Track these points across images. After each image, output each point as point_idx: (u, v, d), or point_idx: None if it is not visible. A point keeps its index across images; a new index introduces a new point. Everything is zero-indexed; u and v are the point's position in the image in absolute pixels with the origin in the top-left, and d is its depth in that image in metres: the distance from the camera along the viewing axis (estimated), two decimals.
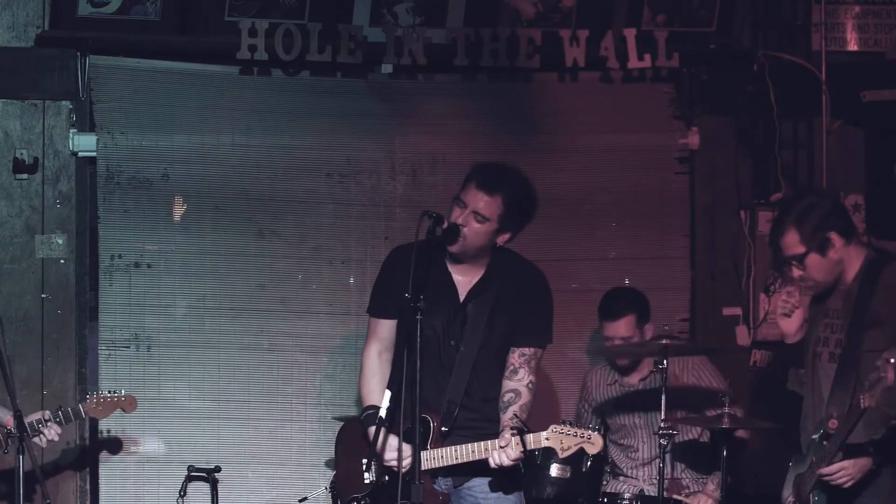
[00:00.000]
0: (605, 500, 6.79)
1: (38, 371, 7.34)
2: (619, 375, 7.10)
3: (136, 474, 7.39)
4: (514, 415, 5.73)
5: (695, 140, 7.85)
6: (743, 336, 7.92)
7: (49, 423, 6.45)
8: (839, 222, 5.87)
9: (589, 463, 6.55)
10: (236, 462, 7.40)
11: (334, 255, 7.61)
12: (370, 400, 5.86)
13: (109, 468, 7.37)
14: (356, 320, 7.43)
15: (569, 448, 5.64)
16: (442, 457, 5.74)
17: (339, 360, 7.56)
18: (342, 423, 6.34)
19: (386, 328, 5.92)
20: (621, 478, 7.11)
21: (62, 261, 7.40)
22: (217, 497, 7.14)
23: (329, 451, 7.25)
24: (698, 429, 7.05)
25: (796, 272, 5.89)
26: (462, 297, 5.89)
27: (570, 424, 5.66)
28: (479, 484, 5.87)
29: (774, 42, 7.97)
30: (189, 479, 7.13)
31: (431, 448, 5.74)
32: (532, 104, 7.76)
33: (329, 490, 6.75)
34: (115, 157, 7.39)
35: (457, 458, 5.73)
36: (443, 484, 5.85)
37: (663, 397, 6.57)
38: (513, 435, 5.63)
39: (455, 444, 5.75)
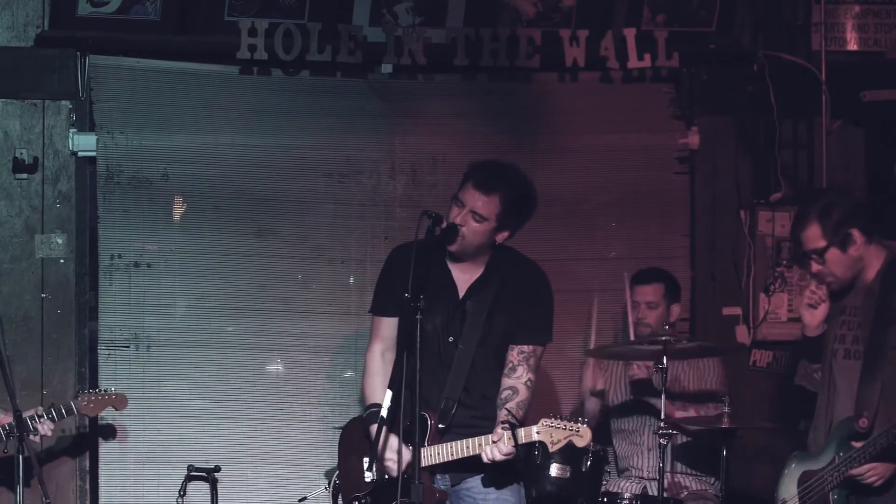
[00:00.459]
0: (605, 499, 6.78)
1: (38, 371, 7.34)
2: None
3: (136, 474, 7.38)
4: (508, 410, 5.74)
5: (695, 140, 7.85)
6: (743, 336, 7.91)
7: (42, 419, 6.53)
8: (861, 220, 5.89)
9: (589, 463, 6.55)
10: (236, 462, 7.40)
11: (334, 255, 7.61)
12: (373, 398, 5.89)
13: (109, 468, 7.37)
14: (356, 320, 7.46)
15: (558, 441, 5.64)
16: (438, 453, 5.76)
17: (339, 360, 7.56)
18: (344, 425, 6.34)
19: (389, 327, 5.93)
20: (625, 473, 7.12)
21: (62, 260, 7.40)
22: (217, 497, 7.13)
23: (328, 451, 7.26)
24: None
25: (815, 266, 5.90)
26: (461, 294, 5.91)
27: (560, 418, 5.66)
28: (478, 484, 5.89)
29: (774, 42, 7.96)
30: (189, 478, 7.13)
31: (428, 445, 5.76)
32: (532, 104, 7.76)
33: (329, 489, 6.76)
34: (115, 156, 7.39)
35: (452, 455, 5.75)
36: (441, 482, 5.87)
37: (662, 397, 6.59)
38: (504, 429, 5.64)
39: (452, 441, 5.76)
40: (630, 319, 7.23)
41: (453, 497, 5.90)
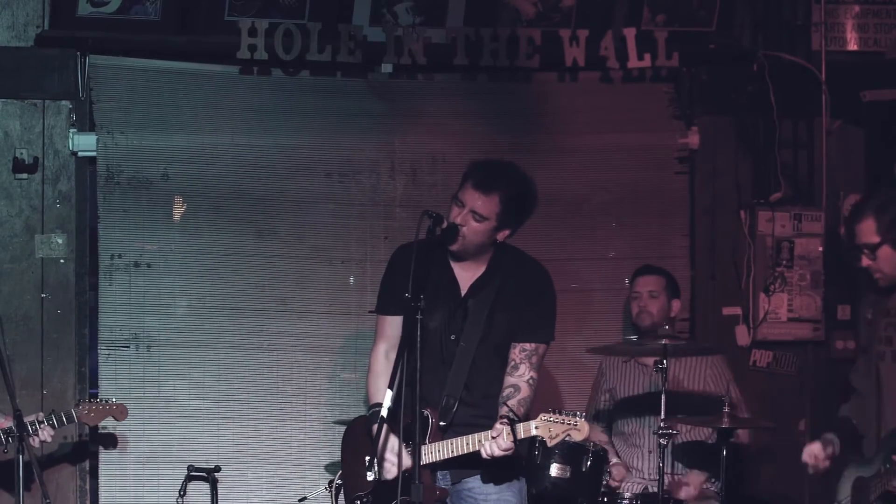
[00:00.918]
0: (606, 499, 6.77)
1: (38, 371, 7.32)
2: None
3: (136, 474, 7.37)
4: (509, 407, 5.73)
5: (695, 140, 7.85)
6: (743, 336, 7.91)
7: (42, 426, 6.54)
8: None
9: (589, 463, 6.55)
10: (236, 462, 7.39)
11: (334, 255, 7.60)
12: (376, 398, 5.87)
13: (109, 468, 7.35)
14: (356, 320, 7.46)
15: (556, 436, 5.62)
16: (438, 451, 5.75)
17: (339, 361, 7.55)
18: (346, 424, 6.32)
19: (393, 326, 5.91)
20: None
21: (62, 260, 7.39)
22: (217, 497, 7.14)
23: (328, 451, 7.27)
24: (706, 430, 7.05)
25: (865, 261, 5.85)
26: (463, 292, 5.90)
27: (559, 412, 5.64)
28: (479, 485, 5.88)
29: (774, 42, 7.96)
30: (189, 478, 7.14)
31: (429, 443, 5.75)
32: (532, 104, 7.75)
33: (329, 489, 6.76)
34: (115, 156, 7.38)
35: (452, 452, 5.74)
36: (442, 480, 5.86)
37: (663, 398, 6.58)
38: (503, 425, 5.63)
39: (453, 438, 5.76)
40: (633, 312, 7.25)
41: (454, 496, 5.89)
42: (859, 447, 6.03)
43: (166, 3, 7.31)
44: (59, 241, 7.38)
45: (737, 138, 7.98)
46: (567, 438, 5.65)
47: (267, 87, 7.57)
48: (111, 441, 7.31)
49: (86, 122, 7.40)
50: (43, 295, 7.36)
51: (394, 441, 5.69)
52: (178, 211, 7.52)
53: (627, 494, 6.91)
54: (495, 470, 5.83)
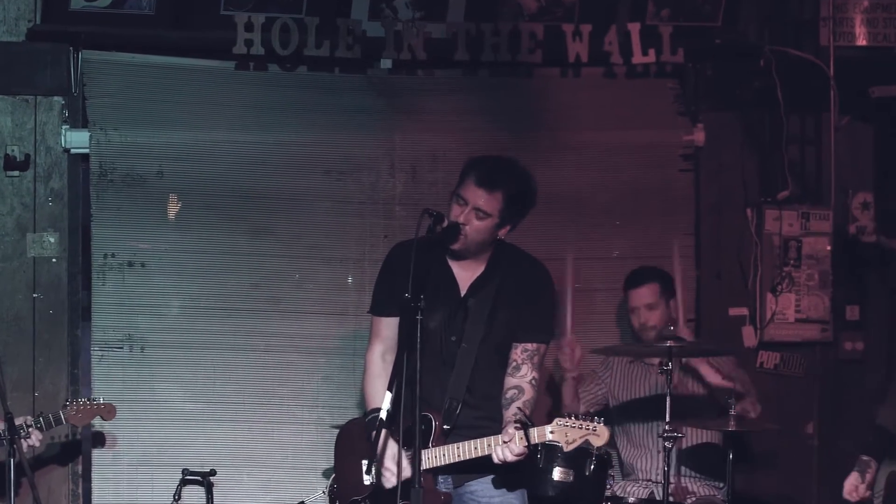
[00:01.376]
0: (610, 503, 6.72)
1: (30, 372, 7.28)
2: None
3: (130, 477, 7.33)
4: (518, 409, 5.67)
5: (700, 136, 7.82)
6: (749, 337, 7.87)
7: (30, 429, 6.52)
8: None
9: (592, 466, 6.48)
10: (231, 465, 7.35)
11: (332, 254, 7.57)
12: (374, 403, 5.83)
13: (102, 471, 7.31)
14: (354, 320, 7.42)
15: (574, 441, 5.54)
16: (444, 455, 5.68)
17: (336, 362, 7.51)
18: (341, 428, 6.26)
19: (389, 327, 5.88)
20: (630, 476, 7.10)
21: (54, 259, 7.35)
22: (212, 501, 7.13)
23: (325, 454, 7.20)
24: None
25: None
26: (463, 292, 5.86)
27: (575, 417, 5.57)
28: (481, 488, 5.82)
29: (781, 37, 7.93)
30: (183, 482, 7.11)
31: (433, 446, 5.69)
32: (534, 100, 7.72)
33: (326, 493, 6.69)
34: (109, 153, 7.34)
35: (459, 456, 5.67)
36: (443, 484, 5.79)
37: (668, 401, 6.52)
38: (516, 429, 5.56)
39: (458, 442, 5.69)
40: (633, 325, 7.19)
41: (456, 500, 5.83)
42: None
43: None
44: (52, 239, 7.34)
45: (743, 135, 7.97)
46: (585, 445, 5.54)
47: (264, 83, 7.55)
48: (100, 440, 7.27)
49: (78, 119, 7.37)
50: (35, 295, 7.32)
51: (393, 445, 5.63)
52: (173, 209, 7.49)
53: (632, 499, 6.87)
54: (500, 475, 5.77)
